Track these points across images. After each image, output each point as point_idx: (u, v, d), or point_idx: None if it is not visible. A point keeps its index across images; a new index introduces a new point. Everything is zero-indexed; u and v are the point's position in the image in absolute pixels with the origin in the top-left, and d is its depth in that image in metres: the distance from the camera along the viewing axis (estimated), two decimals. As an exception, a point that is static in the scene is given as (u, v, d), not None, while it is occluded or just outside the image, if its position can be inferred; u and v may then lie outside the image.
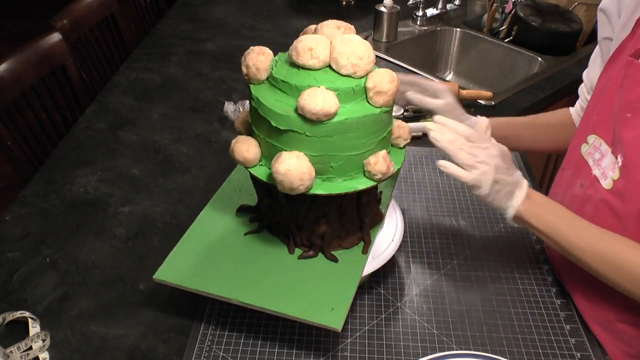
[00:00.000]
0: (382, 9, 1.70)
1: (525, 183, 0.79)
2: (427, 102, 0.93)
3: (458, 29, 1.87)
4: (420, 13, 1.88)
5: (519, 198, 0.77)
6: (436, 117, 0.79)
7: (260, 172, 0.78)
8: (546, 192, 0.92)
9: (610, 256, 0.74)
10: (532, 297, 0.89)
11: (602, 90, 0.84)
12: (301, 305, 0.76)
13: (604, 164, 0.79)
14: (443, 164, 0.76)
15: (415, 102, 0.94)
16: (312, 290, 0.78)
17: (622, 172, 0.75)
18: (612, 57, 0.84)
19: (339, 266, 0.82)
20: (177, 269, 0.80)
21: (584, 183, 0.84)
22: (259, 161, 0.79)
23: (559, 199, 0.89)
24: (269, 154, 0.77)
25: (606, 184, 0.78)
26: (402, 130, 0.84)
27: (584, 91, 1.01)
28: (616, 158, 0.77)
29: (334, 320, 0.73)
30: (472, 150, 0.76)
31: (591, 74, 0.97)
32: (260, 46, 0.78)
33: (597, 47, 0.95)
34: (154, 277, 0.78)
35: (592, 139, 0.83)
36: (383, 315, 0.86)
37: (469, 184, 0.75)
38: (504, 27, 1.79)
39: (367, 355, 0.80)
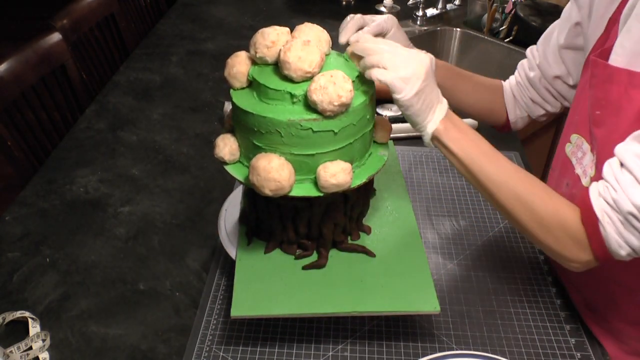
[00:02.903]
0: (382, 9, 1.70)
1: (445, 100, 0.74)
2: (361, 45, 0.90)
3: (458, 29, 1.87)
4: (420, 13, 1.88)
5: (441, 112, 0.72)
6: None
7: (238, 172, 0.78)
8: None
9: (520, 194, 0.72)
10: (532, 297, 0.89)
11: (581, 89, 0.84)
12: (390, 300, 0.77)
13: (585, 162, 0.80)
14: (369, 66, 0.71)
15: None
16: (386, 284, 0.79)
17: (597, 168, 0.75)
18: (588, 57, 0.84)
19: (386, 255, 0.83)
20: (247, 301, 0.77)
21: (569, 182, 0.84)
22: (238, 159, 0.79)
23: None
24: (247, 153, 0.77)
25: (585, 181, 0.79)
26: (383, 125, 0.83)
27: (524, 67, 1.02)
28: (593, 155, 0.77)
29: (429, 304, 0.75)
30: (398, 49, 0.71)
31: (548, 55, 0.97)
32: (236, 53, 0.78)
33: (556, 29, 0.95)
34: (231, 315, 0.74)
35: (574, 138, 0.84)
36: (383, 315, 0.86)
37: (396, 85, 0.69)
38: (504, 27, 1.79)
39: (367, 355, 0.80)
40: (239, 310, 0.75)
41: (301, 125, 0.71)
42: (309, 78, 0.71)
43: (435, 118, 0.72)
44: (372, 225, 0.89)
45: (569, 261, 0.72)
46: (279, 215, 0.81)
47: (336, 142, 0.73)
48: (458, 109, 1.05)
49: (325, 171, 0.73)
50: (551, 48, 0.96)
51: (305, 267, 0.82)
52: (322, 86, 0.69)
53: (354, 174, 0.76)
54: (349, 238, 0.86)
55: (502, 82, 1.06)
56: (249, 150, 0.76)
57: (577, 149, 0.83)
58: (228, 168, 0.79)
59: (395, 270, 0.81)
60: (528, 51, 1.02)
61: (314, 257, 0.83)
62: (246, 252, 0.84)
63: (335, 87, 0.69)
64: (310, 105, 0.71)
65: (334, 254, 0.84)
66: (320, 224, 0.81)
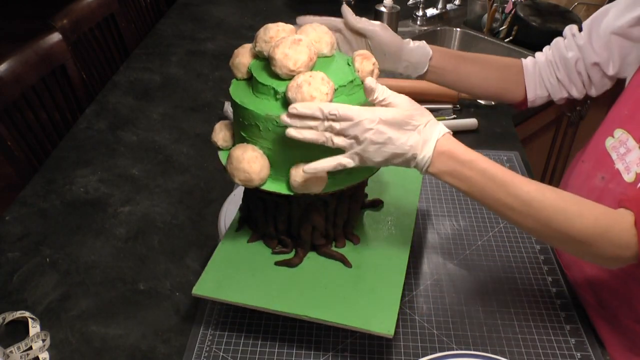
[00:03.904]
0: (382, 9, 1.70)
1: (431, 140, 0.67)
2: (363, 23, 0.95)
3: (458, 29, 1.87)
4: (420, 13, 1.88)
5: (425, 160, 0.67)
6: (290, 107, 0.67)
7: (225, 158, 0.79)
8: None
9: (548, 220, 0.68)
10: (532, 297, 0.89)
11: (636, 85, 0.84)
12: (346, 312, 0.75)
13: (628, 159, 0.79)
14: (309, 168, 0.68)
15: (351, 21, 0.95)
16: (348, 296, 0.77)
17: None
18: None
19: (364, 268, 0.82)
20: (212, 283, 0.78)
21: (605, 176, 0.84)
22: (230, 147, 0.80)
23: (576, 190, 0.90)
24: (237, 142, 0.78)
25: (629, 177, 0.78)
26: None
27: (560, 45, 1.00)
28: None
29: (384, 326, 0.72)
30: (341, 129, 0.66)
31: (594, 38, 0.95)
32: (243, 44, 0.79)
33: (610, 12, 0.92)
34: (193, 292, 0.76)
35: (618, 133, 0.83)
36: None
37: (353, 166, 0.67)
38: (504, 27, 1.79)
39: (367, 355, 0.80)
40: (201, 289, 0.77)
41: (276, 122, 0.71)
42: (293, 76, 0.72)
43: (421, 167, 0.68)
44: (364, 236, 0.87)
45: (606, 262, 0.72)
46: (263, 207, 0.81)
47: (311, 144, 0.70)
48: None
49: (297, 171, 0.72)
50: (601, 32, 0.93)
51: (277, 263, 0.82)
52: (298, 84, 0.69)
53: (332, 180, 0.74)
54: (333, 244, 0.85)
55: (522, 60, 1.05)
56: (238, 140, 0.78)
57: (619, 144, 0.82)
58: (220, 153, 0.80)
59: (365, 286, 0.79)
60: (567, 29, 0.99)
61: (292, 255, 0.83)
62: (231, 237, 0.86)
63: (309, 88, 0.68)
64: (288, 103, 0.71)
65: (312, 256, 0.84)
66: (298, 225, 0.81)
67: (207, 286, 0.77)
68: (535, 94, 1.03)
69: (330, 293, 0.78)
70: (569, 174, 0.98)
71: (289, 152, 0.73)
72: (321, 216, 0.80)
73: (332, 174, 0.74)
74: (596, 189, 0.85)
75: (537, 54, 1.05)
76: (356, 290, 0.78)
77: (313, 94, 0.68)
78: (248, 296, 0.77)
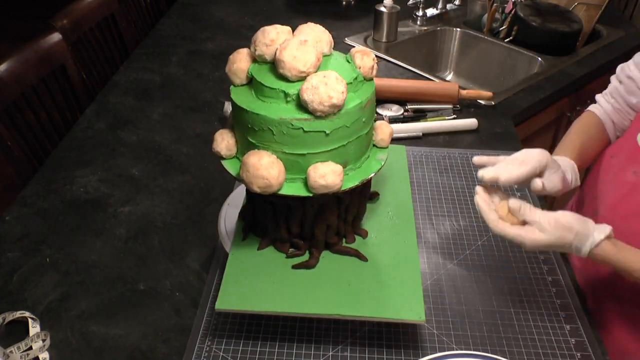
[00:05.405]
0: (382, 9, 1.70)
1: (583, 250, 0.76)
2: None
3: (458, 29, 1.87)
4: (420, 13, 1.88)
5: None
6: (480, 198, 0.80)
7: (233, 167, 0.78)
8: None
9: None
10: (532, 297, 0.89)
11: None
12: (375, 305, 0.76)
13: None
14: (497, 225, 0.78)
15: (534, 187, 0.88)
16: (373, 289, 0.78)
17: None
18: None
19: (379, 260, 0.83)
20: (233, 296, 0.78)
21: (636, 170, 0.85)
22: (235, 155, 0.79)
23: (606, 186, 0.91)
24: (243, 149, 0.77)
25: None
26: (383, 129, 0.83)
27: (621, 93, 1.00)
28: None
29: (414, 312, 0.74)
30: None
31: None
32: (238, 49, 0.78)
33: None
34: (216, 307, 0.76)
35: None
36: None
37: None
38: (504, 27, 1.79)
39: (367, 355, 0.80)
40: (224, 304, 0.76)
41: (292, 125, 0.71)
42: (303, 77, 0.71)
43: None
44: (370, 229, 0.88)
45: None
46: (272, 212, 0.81)
47: (328, 143, 0.73)
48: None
49: (315, 172, 0.72)
50: None
51: (294, 267, 0.82)
52: (313, 86, 0.69)
53: (346, 177, 0.76)
54: (343, 240, 0.86)
55: (594, 113, 1.04)
56: (245, 147, 0.77)
57: None
58: (224, 163, 0.80)
59: (386, 277, 0.80)
60: (622, 76, 1.00)
61: (306, 257, 0.83)
62: (240, 247, 0.85)
63: (326, 88, 0.68)
64: (302, 105, 0.71)
65: (326, 255, 0.84)
66: (313, 225, 0.81)
67: (229, 300, 0.76)
68: (615, 137, 1.05)
69: (354, 289, 0.78)
70: (597, 170, 0.99)
71: (306, 153, 0.73)
72: (335, 214, 0.80)
73: (346, 170, 0.75)
74: (627, 183, 0.86)
75: (600, 101, 1.04)
76: (378, 283, 0.79)
77: (330, 93, 0.68)
78: (274, 303, 0.76)
